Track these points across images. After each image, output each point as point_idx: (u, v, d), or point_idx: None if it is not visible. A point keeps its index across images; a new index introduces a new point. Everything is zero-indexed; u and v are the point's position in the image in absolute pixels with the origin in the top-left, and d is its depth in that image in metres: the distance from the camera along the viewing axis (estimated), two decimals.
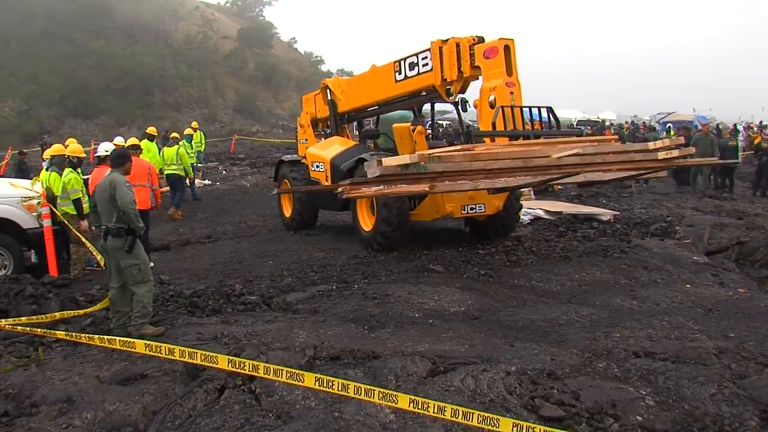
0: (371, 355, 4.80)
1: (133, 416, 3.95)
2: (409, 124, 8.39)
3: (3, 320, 5.19)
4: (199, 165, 15.93)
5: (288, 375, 3.44)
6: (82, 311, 5.90)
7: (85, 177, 8.48)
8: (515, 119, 6.99)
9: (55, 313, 5.67)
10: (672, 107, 25.31)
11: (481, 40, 7.63)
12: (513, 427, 2.88)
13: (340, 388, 3.28)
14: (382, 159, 5.70)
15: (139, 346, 4.00)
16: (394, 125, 8.46)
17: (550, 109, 7.38)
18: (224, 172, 20.80)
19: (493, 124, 6.94)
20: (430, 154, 5.93)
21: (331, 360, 4.74)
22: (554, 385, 4.20)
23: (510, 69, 7.24)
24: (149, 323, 5.53)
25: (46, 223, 7.73)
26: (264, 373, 3.49)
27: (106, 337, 4.33)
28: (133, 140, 10.60)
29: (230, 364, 3.60)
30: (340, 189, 6.08)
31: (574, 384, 4.26)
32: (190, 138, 16.22)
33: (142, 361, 4.59)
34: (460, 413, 2.97)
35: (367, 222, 8.90)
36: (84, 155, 8.81)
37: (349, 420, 3.64)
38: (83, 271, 8.07)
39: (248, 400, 4.00)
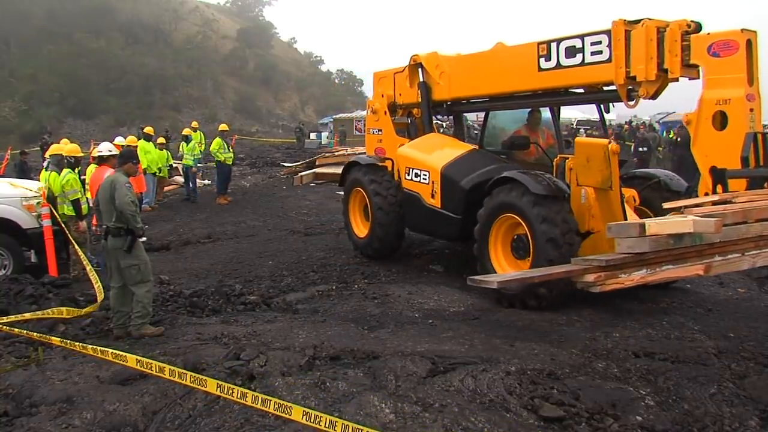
0: (371, 355, 4.80)
1: (133, 416, 3.95)
2: (606, 141, 5.88)
3: (3, 318, 5.21)
4: (198, 165, 16.00)
5: (276, 406, 3.35)
6: (78, 312, 5.90)
7: (82, 177, 8.52)
8: (767, 150, 5.26)
9: (52, 309, 5.68)
10: (671, 107, 25.23)
11: (698, 27, 5.64)
12: None
13: (327, 425, 3.13)
14: (645, 224, 4.09)
15: (131, 360, 4.01)
16: (578, 139, 6.29)
17: None
18: None
19: (745, 159, 5.10)
20: (716, 218, 4.21)
21: (331, 360, 4.74)
22: (554, 385, 4.19)
23: (752, 76, 5.32)
24: (149, 323, 5.54)
25: (46, 223, 7.74)
26: (252, 402, 3.42)
27: (99, 348, 4.32)
28: (125, 139, 10.88)
29: (218, 389, 3.56)
30: (592, 278, 4.71)
31: (574, 384, 4.25)
32: (189, 138, 16.28)
33: None
34: None
35: (502, 264, 6.47)
36: (81, 155, 8.82)
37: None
38: (83, 271, 8.06)
39: None
